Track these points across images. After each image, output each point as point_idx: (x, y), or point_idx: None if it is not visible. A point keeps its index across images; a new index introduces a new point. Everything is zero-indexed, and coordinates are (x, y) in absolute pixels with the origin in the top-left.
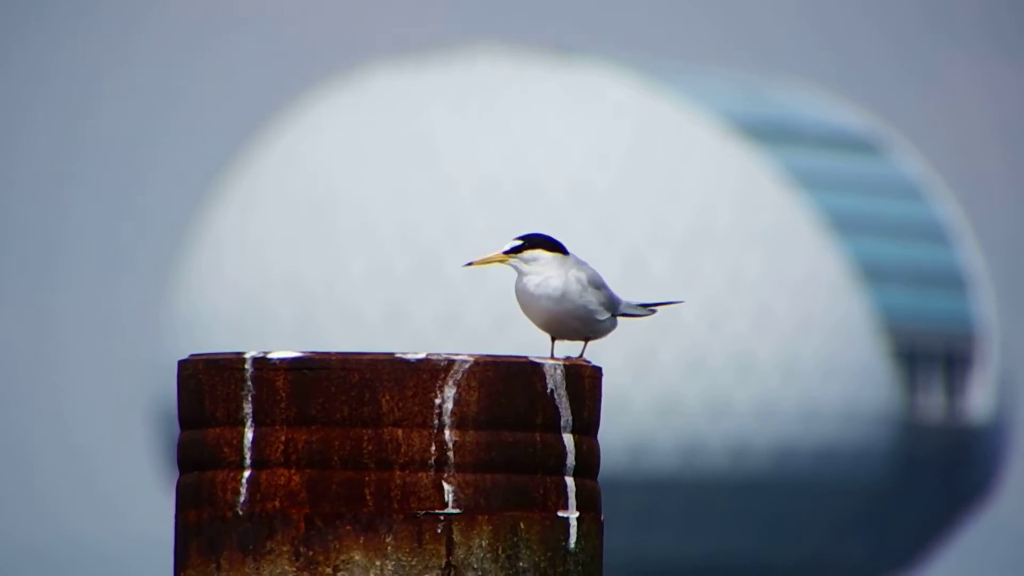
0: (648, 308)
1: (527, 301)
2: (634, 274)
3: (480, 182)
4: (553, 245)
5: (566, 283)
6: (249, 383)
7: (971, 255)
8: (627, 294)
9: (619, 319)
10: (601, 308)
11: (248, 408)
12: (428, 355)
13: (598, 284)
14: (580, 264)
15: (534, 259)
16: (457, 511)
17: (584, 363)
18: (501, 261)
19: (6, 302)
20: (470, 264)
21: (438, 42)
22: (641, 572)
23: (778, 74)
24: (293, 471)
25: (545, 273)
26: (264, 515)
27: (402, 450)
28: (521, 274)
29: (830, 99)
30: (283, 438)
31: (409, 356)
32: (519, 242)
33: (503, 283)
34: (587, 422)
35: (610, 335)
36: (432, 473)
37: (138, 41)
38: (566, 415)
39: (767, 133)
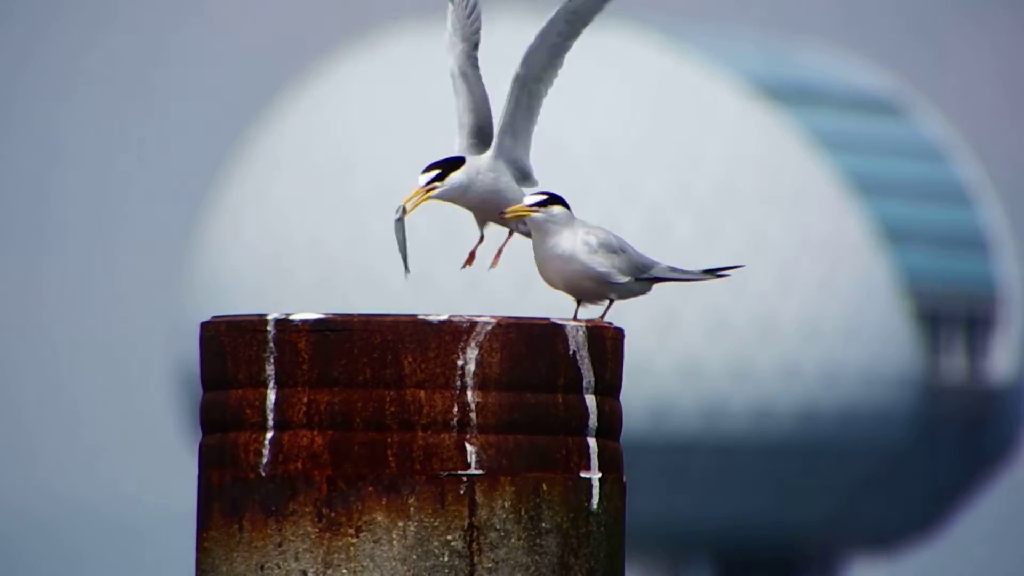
0: (711, 273)
1: (541, 260)
2: (656, 236)
3: None
4: (565, 204)
5: (574, 244)
6: (271, 345)
7: (994, 217)
8: (660, 261)
9: (655, 283)
10: (615, 271)
11: (270, 369)
12: (450, 317)
13: (613, 248)
14: (591, 228)
15: (554, 215)
16: (480, 472)
17: (606, 325)
18: (525, 213)
19: (25, 264)
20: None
21: None
22: (663, 534)
23: (800, 36)
24: (315, 432)
25: (557, 235)
26: (287, 476)
27: (424, 411)
28: (540, 231)
29: (852, 61)
30: (305, 399)
31: (431, 317)
32: (543, 197)
33: (525, 246)
34: (609, 383)
35: (637, 298)
36: (455, 434)
37: (148, 6)
38: (588, 376)
39: (789, 95)
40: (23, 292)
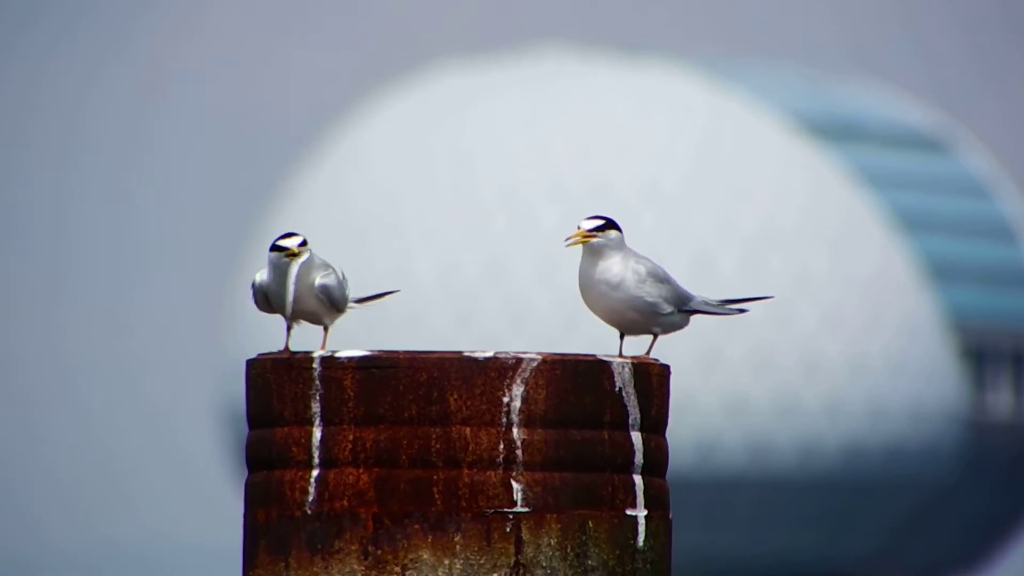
0: (735, 306)
1: (587, 286)
2: (702, 273)
3: (547, 182)
4: (619, 228)
5: (623, 271)
6: (317, 382)
7: None
8: (696, 293)
9: (692, 316)
10: (661, 301)
11: (316, 407)
12: (496, 353)
13: (660, 278)
14: (639, 257)
15: (611, 239)
16: (526, 509)
17: (652, 361)
18: (585, 240)
19: (75, 299)
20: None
21: (506, 41)
22: (710, 571)
23: (845, 73)
24: (361, 470)
25: (608, 261)
26: (332, 514)
27: (470, 448)
28: (593, 256)
29: (897, 97)
30: (351, 437)
31: (477, 354)
32: (600, 221)
33: (570, 282)
34: (655, 420)
35: (678, 332)
36: (500, 471)
37: (198, 51)
38: (634, 413)
39: (834, 131)
40: (70, 332)
